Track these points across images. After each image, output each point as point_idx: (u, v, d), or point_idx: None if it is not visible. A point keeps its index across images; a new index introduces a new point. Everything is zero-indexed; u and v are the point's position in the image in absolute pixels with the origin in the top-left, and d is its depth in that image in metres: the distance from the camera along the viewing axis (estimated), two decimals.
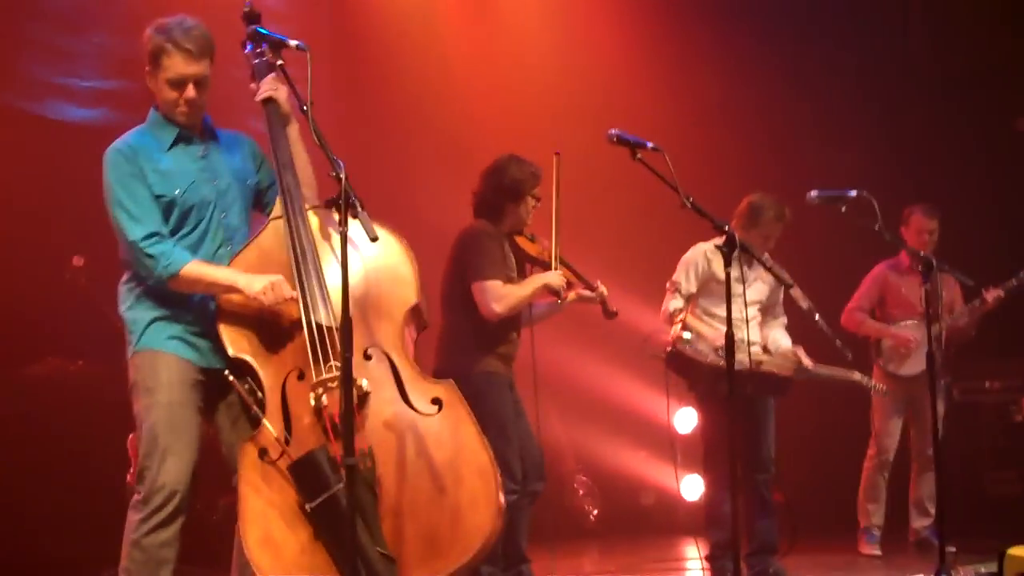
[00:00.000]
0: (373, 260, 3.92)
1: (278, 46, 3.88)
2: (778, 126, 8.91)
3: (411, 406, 3.80)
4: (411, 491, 3.68)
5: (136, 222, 3.76)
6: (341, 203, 3.54)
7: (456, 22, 9.31)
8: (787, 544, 5.99)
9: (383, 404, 3.78)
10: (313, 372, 3.72)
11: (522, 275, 5.35)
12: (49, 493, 4.53)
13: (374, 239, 3.55)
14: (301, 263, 3.79)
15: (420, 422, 3.77)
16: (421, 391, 3.82)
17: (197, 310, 3.87)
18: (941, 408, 6.84)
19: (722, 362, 5.24)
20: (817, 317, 6.11)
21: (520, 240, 5.36)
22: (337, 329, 3.62)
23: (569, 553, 7.47)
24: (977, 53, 8.75)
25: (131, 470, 6.55)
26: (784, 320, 6.14)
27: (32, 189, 6.65)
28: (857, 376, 6.14)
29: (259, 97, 4.00)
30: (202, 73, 3.83)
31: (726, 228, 4.48)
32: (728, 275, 4.44)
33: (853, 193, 5.32)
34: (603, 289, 5.38)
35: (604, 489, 8.86)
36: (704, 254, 5.95)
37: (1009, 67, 8.74)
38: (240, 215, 3.99)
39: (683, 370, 5.80)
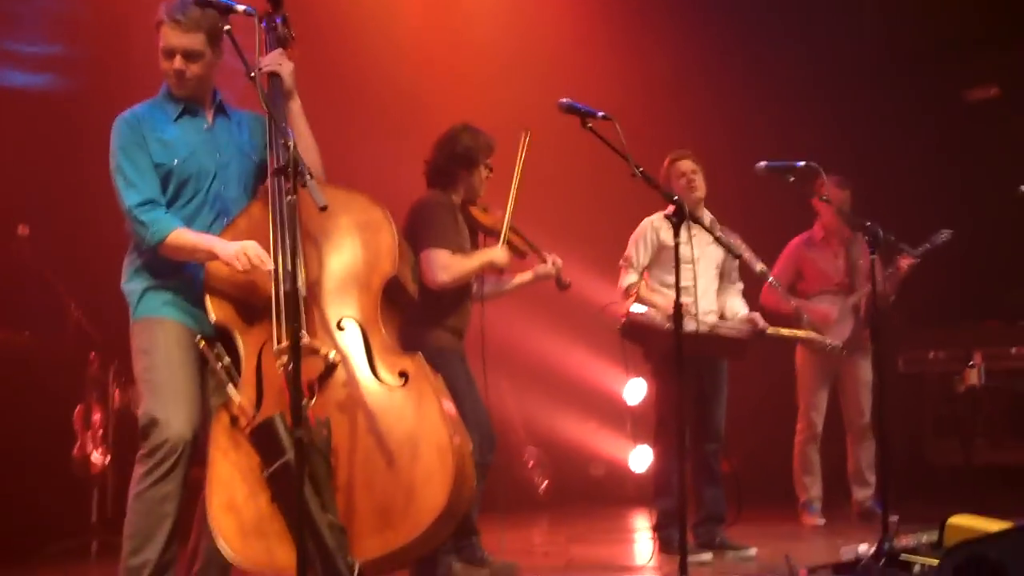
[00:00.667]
0: (353, 230, 3.97)
1: (225, 11, 3.84)
2: (728, 97, 8.96)
3: (378, 378, 3.82)
4: (367, 463, 3.69)
5: (132, 188, 3.87)
6: (290, 171, 3.53)
7: None
8: (733, 514, 6.05)
9: (350, 374, 3.80)
10: (275, 340, 3.74)
11: (474, 245, 5.34)
12: (20, 469, 4.45)
13: (323, 208, 3.51)
14: (279, 233, 3.82)
15: (384, 394, 3.80)
16: (390, 364, 3.85)
17: (189, 281, 3.95)
18: (870, 376, 6.96)
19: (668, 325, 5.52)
20: (771, 279, 6.19)
21: (473, 210, 5.35)
22: (303, 298, 3.71)
23: (519, 525, 7.50)
24: (928, 26, 8.83)
25: (77, 443, 6.51)
26: (740, 286, 6.18)
27: None
28: (813, 335, 6.17)
29: (264, 70, 4.04)
30: (191, 46, 3.93)
31: (675, 198, 4.50)
32: (677, 245, 4.46)
33: (800, 164, 5.36)
34: (557, 260, 5.39)
35: (554, 460, 8.92)
36: (651, 224, 6.01)
37: (959, 40, 8.85)
38: (240, 189, 4.07)
39: (639, 337, 5.82)
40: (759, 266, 6.10)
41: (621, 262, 6.04)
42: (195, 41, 3.94)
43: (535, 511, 8.54)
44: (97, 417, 6.45)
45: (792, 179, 5.38)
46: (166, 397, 3.83)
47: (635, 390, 8.08)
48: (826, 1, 9.02)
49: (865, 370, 7.08)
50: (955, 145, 8.75)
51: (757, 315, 6.02)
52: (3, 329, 6.50)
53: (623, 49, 9.01)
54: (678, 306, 4.44)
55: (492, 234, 5.34)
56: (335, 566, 3.51)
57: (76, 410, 6.41)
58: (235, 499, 3.71)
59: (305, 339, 3.68)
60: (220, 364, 3.83)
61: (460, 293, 5.26)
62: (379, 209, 4.03)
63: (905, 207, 7.52)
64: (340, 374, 3.79)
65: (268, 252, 3.81)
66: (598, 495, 8.33)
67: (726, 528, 5.96)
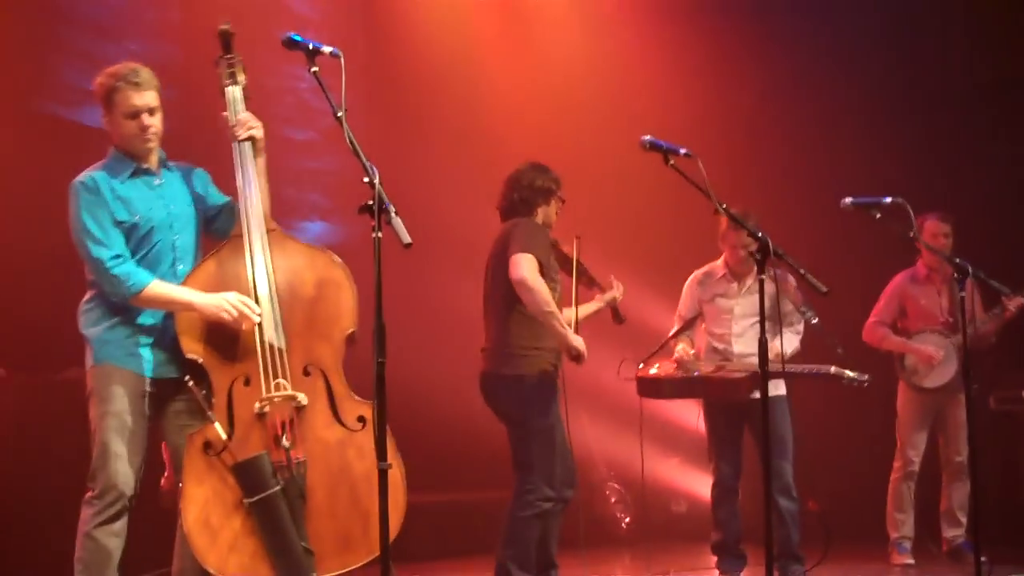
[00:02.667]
0: (317, 286, 4.32)
1: (312, 53, 3.93)
2: (811, 132, 8.87)
3: (340, 422, 4.26)
4: (333, 497, 4.22)
5: (102, 246, 4.17)
6: (375, 208, 3.59)
7: (487, 30, 9.34)
8: (820, 553, 5.97)
9: (317, 418, 4.25)
10: (263, 387, 4.17)
11: (556, 279, 5.39)
12: (82, 494, 4.63)
13: (407, 245, 3.61)
14: (258, 285, 4.21)
15: (346, 437, 4.26)
16: (349, 409, 4.27)
17: (155, 323, 4.27)
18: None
19: (679, 374, 6.05)
20: (815, 321, 6.13)
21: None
22: (283, 350, 4.19)
23: (601, 560, 7.47)
24: (1016, 58, 8.68)
25: (164, 475, 6.60)
26: (798, 328, 6.23)
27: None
28: (832, 370, 6.08)
29: (241, 137, 4.34)
30: (151, 103, 4.25)
31: (759, 235, 4.48)
32: (762, 282, 4.44)
33: (888, 200, 5.30)
34: (618, 293, 5.46)
35: (636, 496, 8.85)
36: (693, 279, 6.38)
37: None
38: (191, 237, 4.38)
39: (648, 392, 6.19)
40: (808, 312, 6.10)
41: (675, 315, 6.39)
42: (153, 98, 4.25)
43: (617, 547, 8.48)
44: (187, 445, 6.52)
45: (879, 215, 5.33)
46: (115, 449, 4.19)
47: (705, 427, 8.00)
48: (913, 33, 8.92)
49: (965, 410, 6.94)
50: None
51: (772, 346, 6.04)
52: None
53: (706, 84, 8.99)
54: (763, 342, 4.39)
55: (564, 265, 5.41)
56: None
57: (164, 442, 6.51)
58: (210, 518, 4.16)
59: (288, 390, 4.17)
60: (207, 403, 4.18)
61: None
62: (340, 268, 4.35)
63: (1001, 245, 7.36)
64: (307, 418, 4.23)
65: (247, 295, 4.17)
66: (680, 531, 8.25)
67: (813, 567, 5.91)
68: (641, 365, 6.10)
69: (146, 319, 4.27)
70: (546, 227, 5.42)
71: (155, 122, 4.27)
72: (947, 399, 7.00)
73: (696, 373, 6.06)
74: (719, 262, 6.31)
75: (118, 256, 4.17)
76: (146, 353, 4.27)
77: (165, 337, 4.27)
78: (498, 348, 5.28)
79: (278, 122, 4.62)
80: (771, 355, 5.90)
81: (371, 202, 3.63)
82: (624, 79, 9.16)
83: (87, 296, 4.35)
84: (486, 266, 5.39)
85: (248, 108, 4.41)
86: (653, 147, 4.47)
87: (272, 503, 4.09)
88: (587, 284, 5.58)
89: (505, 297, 5.24)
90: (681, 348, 6.14)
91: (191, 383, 4.20)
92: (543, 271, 5.16)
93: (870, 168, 8.46)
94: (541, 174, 5.43)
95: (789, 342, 6.15)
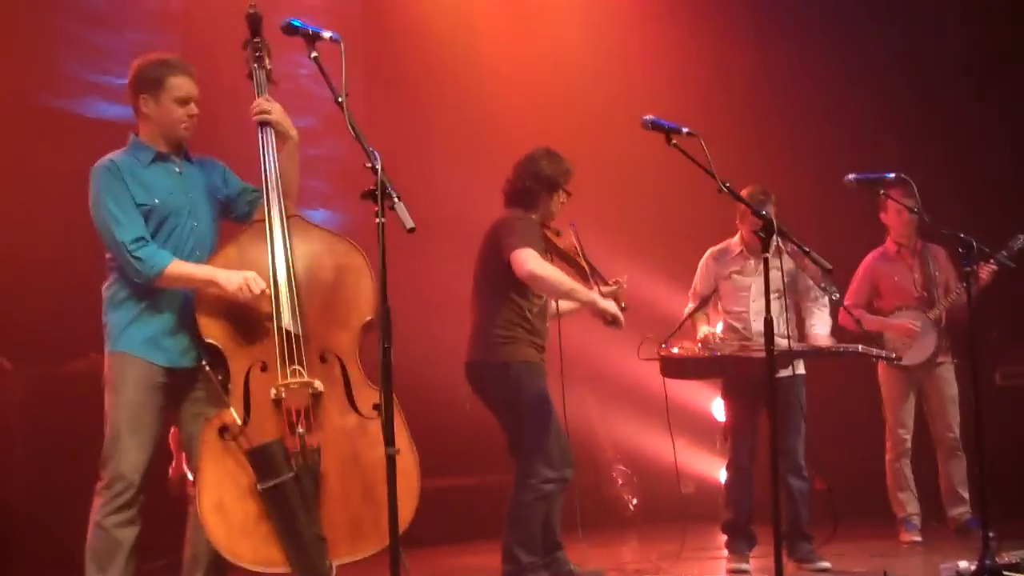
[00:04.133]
0: (336, 272, 4.32)
1: (312, 38, 3.93)
2: (813, 111, 8.86)
3: (356, 409, 4.26)
4: (347, 484, 4.22)
5: (123, 227, 4.19)
6: (378, 194, 3.59)
7: (487, 13, 9.31)
8: (829, 531, 5.98)
9: (333, 405, 4.26)
10: (279, 374, 4.17)
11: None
12: (90, 485, 4.65)
13: (411, 230, 3.60)
14: (277, 271, 4.22)
15: (361, 424, 4.25)
16: (365, 396, 4.26)
17: (174, 312, 4.29)
18: (955, 390, 6.84)
19: (705, 353, 5.97)
20: (836, 296, 6.14)
21: (547, 232, 5.38)
22: (299, 336, 4.18)
23: (609, 543, 7.49)
24: (1015, 35, 8.65)
25: (172, 463, 6.61)
26: (824, 301, 6.19)
27: (71, 187, 6.70)
28: (860, 348, 6.10)
29: (255, 119, 4.37)
30: (198, 94, 4.36)
31: (763, 213, 4.47)
32: (766, 259, 4.43)
33: (892, 176, 5.29)
34: (622, 285, 5.39)
35: (643, 478, 8.86)
36: (709, 256, 6.33)
37: None
38: (209, 224, 4.42)
39: (671, 372, 6.07)
40: (830, 288, 6.10)
41: (690, 291, 6.35)
42: (197, 90, 4.35)
43: (625, 529, 8.51)
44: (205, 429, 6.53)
45: (883, 191, 5.33)
46: (126, 439, 4.21)
47: (723, 407, 8.01)
48: (913, 11, 8.89)
49: (950, 384, 6.96)
50: None
51: (818, 336, 6.04)
52: (99, 353, 6.63)
53: (705, 64, 8.96)
54: (768, 322, 4.39)
55: (564, 258, 5.35)
56: (315, 568, 4.09)
57: (172, 431, 6.50)
58: (224, 501, 4.17)
59: (304, 376, 4.18)
60: (224, 388, 4.22)
61: (543, 310, 5.27)
62: (360, 255, 4.34)
63: (997, 216, 7.35)
64: (325, 404, 4.24)
65: (267, 281, 4.18)
66: (688, 513, 8.25)
67: (822, 545, 5.93)
68: (664, 345, 6.03)
69: (167, 307, 4.28)
70: (547, 218, 5.39)
71: (197, 112, 4.36)
72: (925, 375, 6.99)
73: (720, 353, 6.00)
74: (735, 239, 6.26)
75: (140, 239, 4.19)
76: (165, 342, 4.29)
77: (184, 326, 4.28)
78: (482, 336, 5.29)
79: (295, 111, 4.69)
80: (796, 334, 6.00)
81: (374, 188, 3.62)
82: (624, 59, 9.13)
83: (109, 280, 4.36)
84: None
85: (273, 92, 4.43)
86: (655, 126, 4.46)
87: (285, 489, 4.09)
88: (584, 277, 5.40)
89: (489, 286, 5.27)
90: (706, 329, 6.11)
91: (207, 368, 4.23)
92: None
93: (872, 144, 8.46)
94: (551, 163, 5.36)
95: (823, 320, 6.15)
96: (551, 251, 5.38)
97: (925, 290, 7.00)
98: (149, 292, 4.26)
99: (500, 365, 5.22)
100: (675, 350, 6.02)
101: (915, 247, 7.05)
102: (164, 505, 6.20)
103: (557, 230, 5.44)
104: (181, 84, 4.29)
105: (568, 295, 5.16)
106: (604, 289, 5.34)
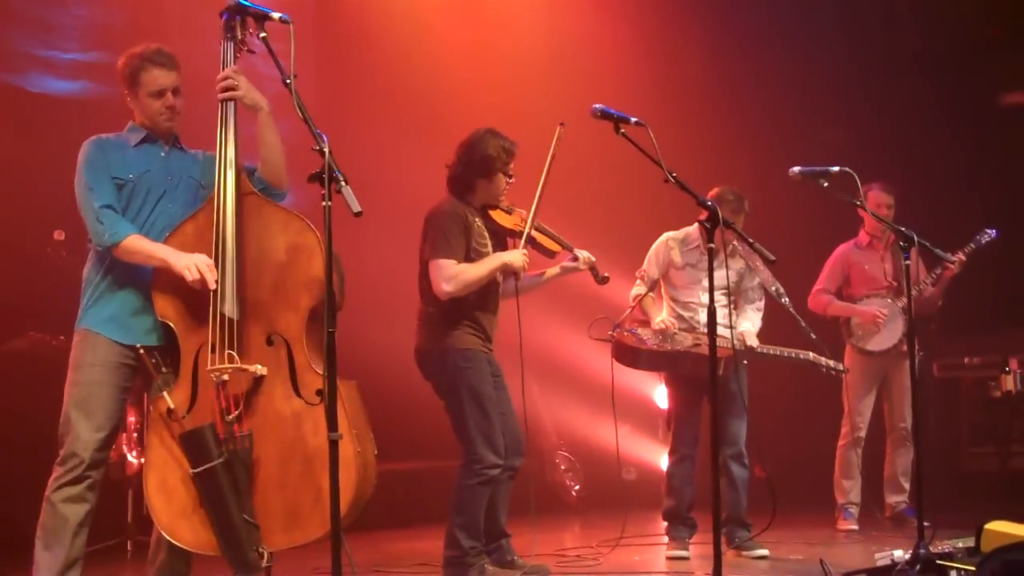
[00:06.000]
0: (287, 252, 4.24)
1: (261, 18, 3.91)
2: (761, 102, 8.93)
3: (299, 394, 4.19)
4: (283, 471, 4.17)
5: (94, 192, 4.24)
6: (324, 177, 3.56)
7: (439, 1, 9.29)
8: (768, 518, 6.04)
9: (276, 390, 4.20)
10: (210, 359, 4.15)
11: (502, 248, 5.35)
12: (29, 467, 4.59)
13: (358, 214, 3.57)
14: (219, 254, 4.18)
15: (302, 410, 4.18)
16: (309, 382, 4.19)
17: (139, 292, 4.30)
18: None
19: (662, 347, 6.02)
20: (785, 300, 6.22)
21: (495, 214, 5.34)
22: (235, 322, 4.14)
23: (551, 528, 7.51)
24: (960, 29, 8.78)
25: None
26: (759, 305, 6.27)
27: (12, 162, 6.61)
28: (811, 356, 6.19)
29: (220, 95, 4.31)
30: (176, 83, 4.36)
31: (708, 204, 4.50)
32: (711, 250, 4.47)
33: (835, 169, 5.35)
34: (587, 255, 5.40)
35: (586, 464, 8.91)
36: (666, 243, 6.29)
37: (992, 43, 8.78)
38: (187, 208, 4.36)
39: (624, 358, 6.13)
40: (774, 286, 6.19)
41: (637, 272, 6.30)
42: (176, 78, 4.36)
43: (567, 515, 8.55)
44: (132, 419, 6.49)
45: (825, 184, 5.38)
46: (80, 416, 4.23)
47: (665, 394, 8.06)
48: (859, 4, 8.98)
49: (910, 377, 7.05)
50: (993, 148, 8.68)
51: (749, 332, 6.08)
52: (40, 333, 6.56)
53: (654, 54, 9.01)
54: (712, 311, 4.43)
55: (516, 235, 5.33)
56: (243, 554, 4.09)
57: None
58: (167, 481, 4.19)
59: (236, 363, 4.13)
60: (156, 372, 4.22)
61: (485, 294, 5.26)
62: (313, 234, 4.23)
63: (943, 210, 7.46)
64: (266, 389, 4.19)
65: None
66: (630, 499, 8.31)
67: (761, 532, 6.00)
68: (616, 329, 6.04)
69: (132, 287, 4.29)
70: (492, 199, 5.34)
71: (179, 102, 4.37)
72: (892, 363, 7.10)
73: (677, 348, 6.03)
74: (693, 228, 6.24)
75: (107, 206, 4.22)
76: (130, 321, 4.30)
77: (150, 306, 4.28)
78: (423, 324, 5.29)
79: None
80: (735, 333, 6.03)
81: (321, 171, 3.59)
82: (574, 47, 9.15)
83: (88, 260, 4.40)
84: None
85: (196, 76, 4.40)
86: (604, 115, 4.48)
87: (213, 475, 4.08)
88: (547, 254, 5.41)
89: (422, 276, 5.25)
90: (662, 317, 6.13)
91: (142, 351, 4.23)
92: (465, 254, 5.14)
93: (820, 137, 8.54)
94: (486, 146, 5.24)
95: (751, 320, 6.22)
96: (503, 234, 5.36)
97: (895, 279, 7.11)
98: (115, 271, 4.29)
99: (440, 352, 5.21)
100: (637, 331, 6.03)
101: (888, 239, 7.15)
102: (105, 487, 6.16)
103: (508, 207, 5.38)
104: (154, 78, 4.31)
105: (487, 276, 5.16)
106: (569, 264, 5.42)
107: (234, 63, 4.31)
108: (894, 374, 7.13)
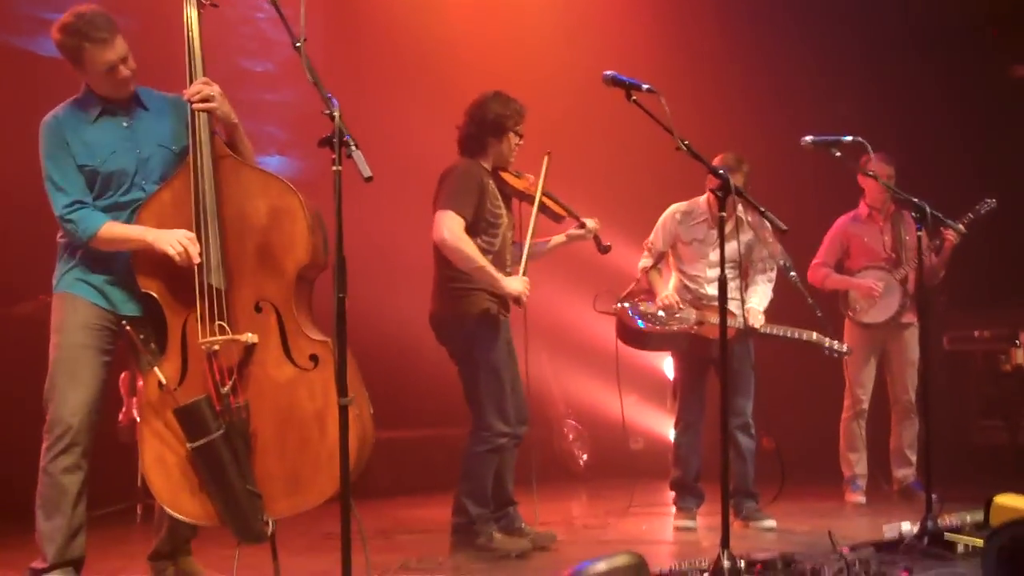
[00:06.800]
0: (269, 215, 4.14)
1: None
2: (773, 73, 8.87)
3: (291, 360, 4.12)
4: (282, 438, 4.11)
5: (61, 192, 4.15)
6: (335, 141, 3.54)
7: None
8: (776, 490, 6.04)
9: (268, 357, 4.13)
10: (200, 331, 4.08)
11: (508, 209, 5.35)
12: (36, 430, 4.59)
13: (368, 178, 3.54)
14: (200, 222, 4.08)
15: (297, 376, 4.12)
16: (301, 347, 4.13)
17: (117, 260, 4.22)
18: (917, 354, 6.93)
19: (666, 328, 6.01)
20: (793, 275, 6.20)
21: (506, 175, 5.37)
22: (222, 291, 4.06)
23: (559, 497, 7.53)
24: (971, 2, 8.70)
25: (123, 409, 6.58)
26: (771, 275, 6.25)
27: (22, 126, 6.57)
28: (815, 337, 6.17)
29: (194, 106, 4.13)
30: (122, 52, 4.14)
31: (720, 172, 4.47)
32: (722, 219, 4.45)
33: (848, 138, 5.31)
34: (594, 223, 5.41)
35: (594, 434, 8.91)
36: (673, 215, 6.26)
37: (1004, 17, 8.71)
38: (160, 180, 4.25)
39: (628, 339, 6.14)
40: (783, 259, 6.18)
41: (644, 244, 6.29)
42: (121, 45, 4.14)
43: (574, 484, 8.57)
44: (141, 384, 6.49)
45: (838, 153, 5.36)
46: (65, 380, 4.18)
47: (673, 365, 8.06)
48: None
49: (912, 348, 7.05)
50: (1001, 121, 8.62)
51: (755, 311, 6.07)
52: (48, 296, 6.56)
53: (667, 23, 8.95)
54: (723, 280, 4.41)
55: (525, 198, 5.36)
56: (248, 525, 4.05)
57: (121, 376, 6.47)
58: (164, 456, 4.13)
59: (227, 334, 4.07)
60: (145, 348, 4.16)
61: (500, 261, 5.26)
62: (295, 196, 4.14)
63: (951, 183, 7.41)
64: (258, 357, 4.13)
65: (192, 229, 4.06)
66: (638, 468, 8.33)
67: (769, 503, 6.00)
68: (621, 303, 6.03)
69: (110, 255, 4.21)
70: (503, 162, 5.35)
71: (131, 66, 4.18)
72: (890, 335, 7.08)
73: (679, 329, 6.02)
74: (702, 199, 6.22)
75: (75, 203, 4.14)
76: (108, 289, 4.24)
77: (128, 275, 4.21)
78: (439, 288, 5.28)
79: (235, 53, 4.51)
80: (745, 308, 6.02)
81: (331, 135, 3.55)
82: (586, 14, 9.10)
83: (59, 247, 4.34)
84: None
85: (204, 39, 4.20)
86: (615, 82, 4.43)
87: (213, 448, 4.02)
88: (554, 218, 5.42)
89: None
90: (667, 293, 6.11)
91: (128, 327, 4.17)
92: (478, 214, 5.14)
93: (831, 108, 8.49)
94: (497, 105, 5.29)
95: (763, 293, 6.19)
96: (512, 195, 5.36)
97: (894, 251, 7.08)
98: (97, 254, 4.23)
99: (457, 316, 5.21)
100: (641, 308, 6.02)
101: (888, 211, 7.12)
102: (114, 451, 6.19)
103: (517, 172, 5.40)
104: (99, 55, 4.09)
105: (475, 273, 5.12)
106: (575, 232, 5.43)
107: (199, 28, 4.18)
108: (892, 346, 7.11)
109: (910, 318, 7.03)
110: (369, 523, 5.73)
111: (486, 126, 5.28)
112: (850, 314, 7.09)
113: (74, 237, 4.16)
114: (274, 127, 8.72)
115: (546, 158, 5.39)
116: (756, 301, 6.16)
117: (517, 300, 5.16)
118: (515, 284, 5.16)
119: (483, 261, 5.12)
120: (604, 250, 5.45)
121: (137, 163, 4.22)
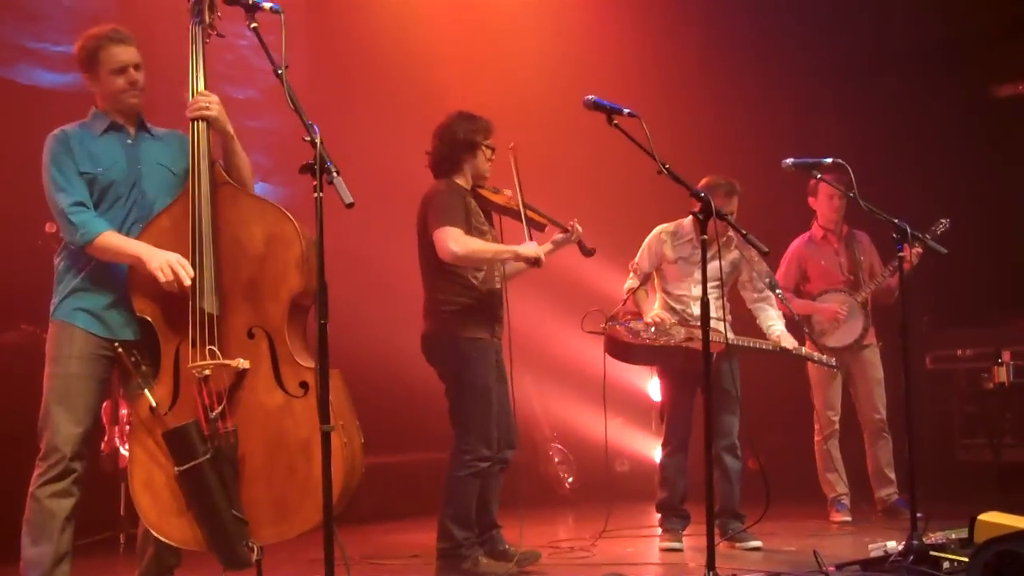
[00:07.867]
0: (264, 242, 4.17)
1: (252, 8, 3.89)
2: (754, 93, 8.92)
3: (282, 387, 4.13)
4: (269, 464, 4.13)
5: (64, 192, 4.18)
6: (316, 168, 3.55)
7: None
8: (761, 510, 6.04)
9: (259, 383, 4.14)
10: (191, 355, 4.09)
11: (491, 225, 5.38)
12: (17, 461, 4.57)
13: (350, 205, 3.56)
14: (196, 248, 4.11)
15: (286, 404, 4.13)
16: (292, 374, 4.14)
17: (115, 285, 4.23)
18: (881, 373, 6.96)
19: (656, 341, 5.99)
20: (779, 292, 6.24)
21: (484, 192, 5.39)
22: (215, 317, 4.09)
23: (545, 520, 7.52)
24: (953, 21, 8.77)
25: (104, 438, 6.54)
26: (767, 296, 6.27)
27: (3, 155, 6.58)
28: (804, 351, 6.21)
29: (192, 115, 4.22)
30: (136, 58, 4.28)
31: (701, 195, 4.49)
32: (703, 242, 4.46)
33: (828, 160, 5.33)
34: (577, 226, 5.40)
35: (579, 457, 8.91)
36: (658, 236, 6.29)
37: (984, 35, 8.79)
38: (159, 197, 4.30)
39: (617, 353, 6.12)
40: (768, 278, 6.19)
41: (630, 265, 6.32)
42: (136, 54, 4.29)
43: (560, 507, 8.55)
44: (125, 412, 6.47)
45: (819, 175, 5.39)
46: (57, 410, 4.18)
47: (659, 387, 8.07)
48: None
49: (875, 366, 7.08)
50: (984, 140, 8.68)
51: (783, 335, 6.12)
52: (31, 325, 6.54)
53: (648, 44, 8.99)
54: (705, 303, 4.42)
55: (508, 213, 5.38)
56: (234, 550, 4.05)
57: (104, 405, 6.44)
58: (153, 479, 4.14)
59: (218, 359, 4.08)
60: (137, 370, 4.16)
61: (492, 287, 5.28)
62: (290, 223, 4.17)
63: (932, 202, 7.45)
64: (249, 383, 4.14)
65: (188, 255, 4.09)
66: (623, 491, 8.33)
67: (754, 524, 6.00)
68: (609, 321, 6.03)
69: (108, 280, 4.22)
70: (480, 178, 5.38)
71: (140, 77, 4.29)
72: (852, 357, 7.09)
73: (670, 342, 6.02)
74: (687, 221, 6.25)
75: (78, 203, 4.16)
76: (105, 315, 4.23)
77: (125, 299, 4.22)
78: (430, 309, 5.29)
79: (218, 80, 4.53)
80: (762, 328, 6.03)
81: (312, 162, 3.58)
82: (567, 37, 9.14)
83: (59, 250, 4.35)
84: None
85: (208, 49, 4.29)
86: (596, 107, 4.46)
87: (200, 472, 4.03)
88: (538, 228, 5.38)
89: (427, 260, 5.26)
90: (656, 310, 6.13)
91: (120, 349, 4.18)
92: (465, 231, 5.16)
93: (813, 128, 8.54)
94: (465, 123, 5.33)
95: (776, 316, 6.30)
96: (492, 210, 5.38)
97: (851, 274, 7.11)
98: (90, 264, 4.22)
99: (449, 339, 5.22)
100: (630, 325, 6.03)
101: (841, 232, 7.15)
102: (97, 480, 6.15)
103: (495, 188, 5.42)
104: (115, 54, 4.24)
105: (494, 258, 5.20)
106: (559, 237, 5.41)
107: (203, 47, 4.26)
108: (856, 368, 7.13)
109: (870, 339, 7.07)
110: (354, 549, 5.72)
111: (457, 144, 5.32)
112: (813, 338, 7.07)
113: (73, 239, 4.16)
114: (257, 154, 8.66)
115: (511, 154, 5.37)
116: (779, 327, 6.24)
117: (537, 261, 5.16)
118: (531, 247, 5.17)
119: (494, 246, 5.20)
120: (588, 253, 5.45)
121: (135, 177, 4.28)
